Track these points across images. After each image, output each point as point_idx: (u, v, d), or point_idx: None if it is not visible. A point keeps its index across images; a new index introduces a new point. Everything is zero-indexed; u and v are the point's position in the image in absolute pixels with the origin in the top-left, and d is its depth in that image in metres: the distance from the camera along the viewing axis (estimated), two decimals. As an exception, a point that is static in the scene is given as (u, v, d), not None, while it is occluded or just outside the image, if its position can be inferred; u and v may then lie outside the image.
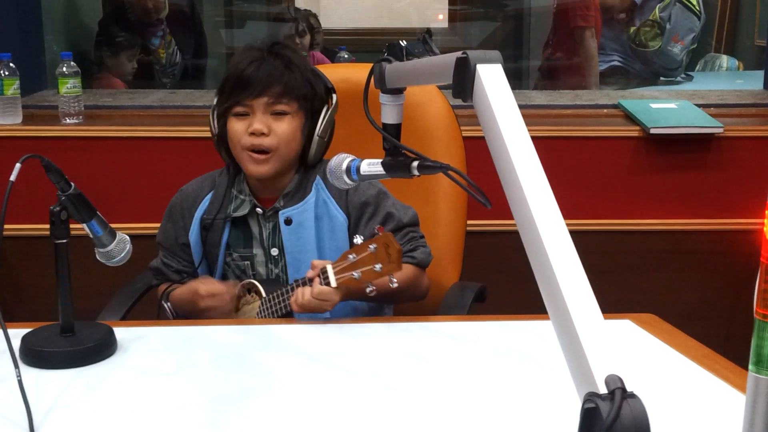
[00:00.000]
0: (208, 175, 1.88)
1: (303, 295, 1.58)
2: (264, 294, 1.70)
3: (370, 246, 1.51)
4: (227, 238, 1.80)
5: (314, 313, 1.61)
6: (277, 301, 1.67)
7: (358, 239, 1.53)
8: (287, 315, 1.66)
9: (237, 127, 1.74)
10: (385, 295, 1.64)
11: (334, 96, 1.81)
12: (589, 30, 4.03)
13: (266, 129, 1.72)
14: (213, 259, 1.82)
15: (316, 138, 1.77)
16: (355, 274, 1.52)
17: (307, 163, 1.80)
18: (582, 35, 4.03)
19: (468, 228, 2.09)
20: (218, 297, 1.72)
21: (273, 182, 1.79)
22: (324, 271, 1.56)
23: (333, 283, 1.55)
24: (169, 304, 1.82)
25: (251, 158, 1.73)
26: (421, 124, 2.03)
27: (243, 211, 1.79)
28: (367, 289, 1.54)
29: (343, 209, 1.79)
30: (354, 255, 1.53)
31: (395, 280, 1.56)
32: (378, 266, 1.50)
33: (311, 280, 1.59)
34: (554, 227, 0.83)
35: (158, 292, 1.87)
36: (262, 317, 1.70)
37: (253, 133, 1.72)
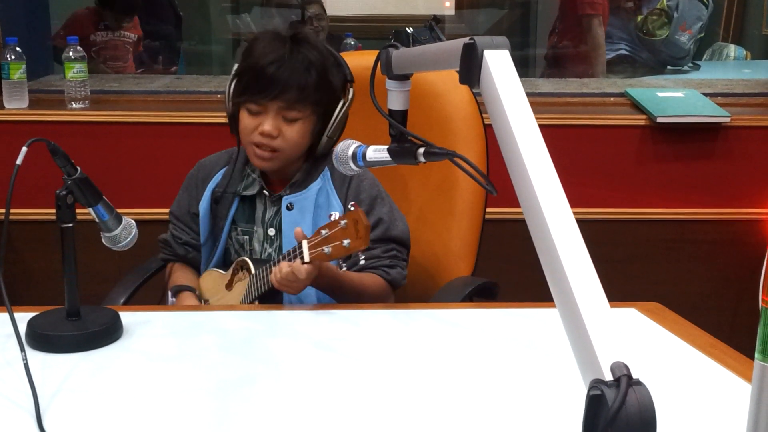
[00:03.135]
0: (226, 150, 1.91)
1: (280, 270, 1.59)
2: (253, 271, 1.72)
3: (341, 222, 1.51)
4: (234, 213, 1.83)
5: (292, 293, 1.63)
6: (261, 276, 1.68)
7: (335, 215, 1.54)
8: (271, 291, 1.66)
9: (248, 122, 1.74)
10: (347, 291, 1.70)
11: (351, 90, 1.79)
12: (596, 18, 4.01)
13: (276, 132, 1.72)
14: (218, 232, 1.84)
15: (324, 138, 1.78)
16: (326, 249, 1.52)
17: (315, 156, 1.81)
18: (589, 23, 4.01)
19: (487, 216, 2.06)
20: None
21: (279, 171, 1.81)
22: (300, 246, 1.57)
23: (306, 258, 1.56)
24: (174, 299, 1.84)
25: (256, 154, 1.75)
26: (443, 114, 2.01)
27: (251, 191, 1.82)
28: (339, 262, 1.54)
29: (341, 200, 1.80)
30: (327, 230, 1.53)
31: (362, 257, 1.56)
32: (346, 242, 1.50)
33: (289, 256, 1.60)
34: (561, 215, 0.83)
35: (166, 274, 1.90)
36: (250, 292, 1.72)
37: (262, 134, 1.72)
